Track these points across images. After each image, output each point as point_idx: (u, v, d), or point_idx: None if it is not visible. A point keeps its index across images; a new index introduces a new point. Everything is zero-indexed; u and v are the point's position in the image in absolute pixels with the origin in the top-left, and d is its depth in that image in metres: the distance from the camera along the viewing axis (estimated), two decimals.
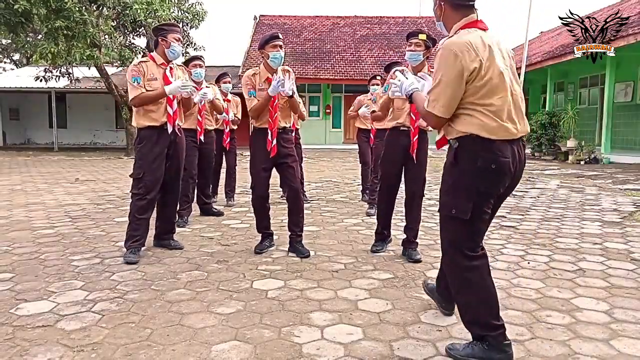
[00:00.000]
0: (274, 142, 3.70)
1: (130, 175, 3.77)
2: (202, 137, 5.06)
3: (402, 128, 3.70)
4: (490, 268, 3.36)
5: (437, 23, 2.18)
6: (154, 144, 3.67)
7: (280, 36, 3.71)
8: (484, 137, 1.95)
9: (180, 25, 12.65)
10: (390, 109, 3.81)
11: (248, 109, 3.77)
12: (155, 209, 3.87)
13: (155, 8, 13.94)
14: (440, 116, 2.00)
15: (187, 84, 3.71)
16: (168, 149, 3.75)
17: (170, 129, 3.71)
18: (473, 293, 2.08)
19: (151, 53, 3.79)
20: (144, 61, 3.73)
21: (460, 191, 2.01)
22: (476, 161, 1.96)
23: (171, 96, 3.69)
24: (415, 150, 3.65)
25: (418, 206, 3.77)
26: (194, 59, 5.10)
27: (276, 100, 3.68)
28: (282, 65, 3.78)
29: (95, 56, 14.11)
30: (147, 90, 3.62)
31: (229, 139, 5.89)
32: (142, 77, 3.62)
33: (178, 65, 3.97)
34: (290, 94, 3.65)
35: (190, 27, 16.85)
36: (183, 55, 3.90)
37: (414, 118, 3.60)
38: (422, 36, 3.54)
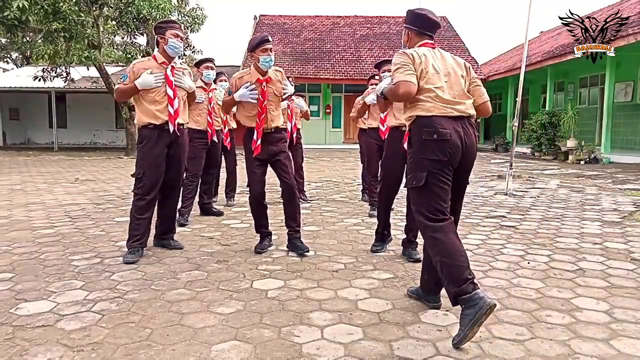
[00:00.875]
0: (259, 141, 3.73)
1: (132, 175, 3.78)
2: (214, 138, 5.19)
3: (402, 128, 3.72)
4: (490, 267, 3.40)
5: (403, 49, 2.69)
6: (154, 144, 3.67)
7: (270, 39, 3.72)
8: (424, 115, 2.42)
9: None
10: (389, 110, 3.86)
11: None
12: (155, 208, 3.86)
13: (158, 3, 13.88)
14: (403, 80, 2.43)
15: (159, 76, 3.63)
16: (169, 149, 3.74)
17: (171, 128, 3.71)
18: (444, 251, 2.31)
19: (154, 53, 3.79)
20: (143, 61, 3.74)
21: (416, 164, 2.43)
22: (422, 135, 2.41)
23: (172, 94, 3.68)
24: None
25: None
26: (206, 61, 5.25)
27: (265, 101, 3.70)
28: (278, 66, 3.82)
29: (93, 57, 14.07)
30: (147, 93, 3.63)
31: (229, 139, 5.91)
32: (130, 76, 3.62)
33: (181, 65, 3.96)
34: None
35: (191, 31, 16.86)
36: (180, 57, 3.87)
37: None
38: None
